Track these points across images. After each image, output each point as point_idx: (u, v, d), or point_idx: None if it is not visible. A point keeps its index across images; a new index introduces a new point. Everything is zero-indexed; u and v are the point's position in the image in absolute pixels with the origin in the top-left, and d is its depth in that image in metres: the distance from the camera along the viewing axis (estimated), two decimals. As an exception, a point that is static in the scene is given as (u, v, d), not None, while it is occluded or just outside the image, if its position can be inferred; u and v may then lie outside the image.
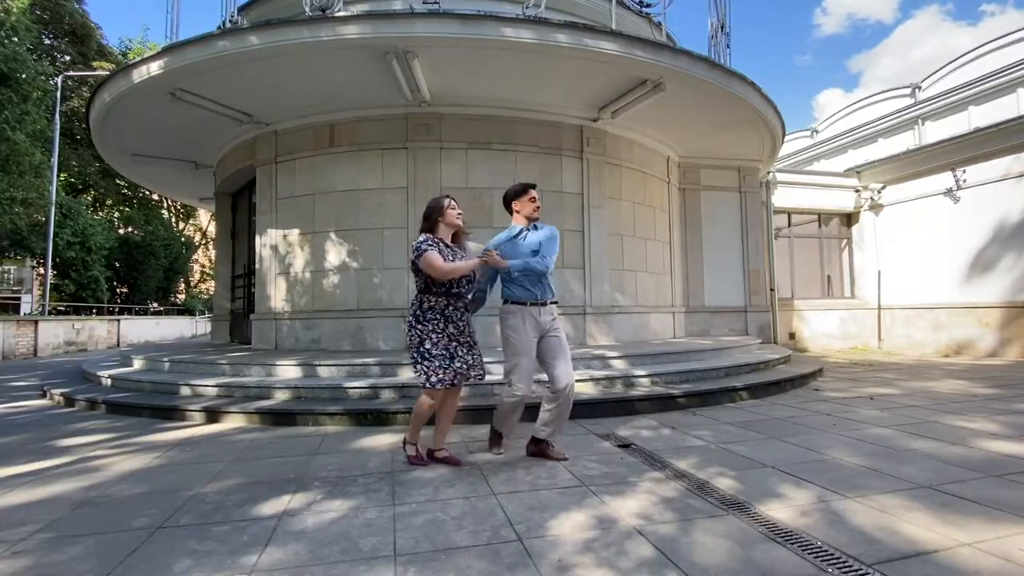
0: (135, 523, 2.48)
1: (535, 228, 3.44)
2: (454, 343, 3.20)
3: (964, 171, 9.93)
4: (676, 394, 5.13)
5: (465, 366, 3.19)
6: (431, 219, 3.28)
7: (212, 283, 16.68)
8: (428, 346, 3.13)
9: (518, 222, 3.46)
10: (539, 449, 3.44)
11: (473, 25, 5.60)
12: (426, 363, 3.12)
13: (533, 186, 3.52)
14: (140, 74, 6.38)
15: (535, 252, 3.31)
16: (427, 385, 3.13)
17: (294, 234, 7.62)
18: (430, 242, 3.15)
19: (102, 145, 9.08)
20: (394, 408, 4.61)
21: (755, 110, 7.55)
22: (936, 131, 12.91)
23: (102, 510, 2.67)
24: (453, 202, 3.31)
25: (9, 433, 4.52)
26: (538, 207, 3.45)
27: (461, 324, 3.25)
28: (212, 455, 3.67)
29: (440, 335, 3.16)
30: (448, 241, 3.31)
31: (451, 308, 3.21)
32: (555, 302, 3.42)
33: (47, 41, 20.65)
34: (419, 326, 3.16)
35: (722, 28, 7.94)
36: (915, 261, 10.84)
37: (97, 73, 18.84)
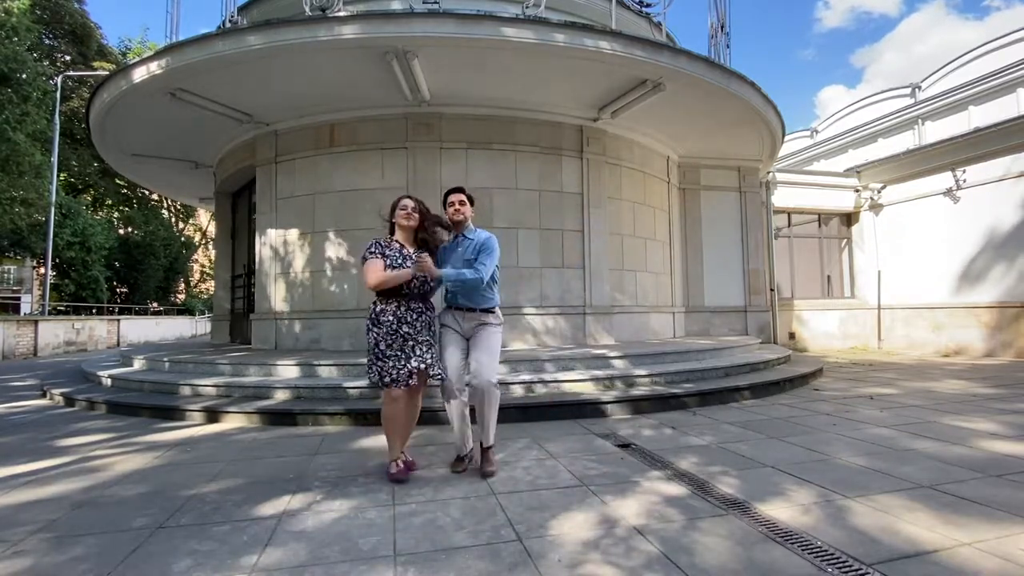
0: (135, 523, 2.48)
1: (471, 235, 3.36)
2: (411, 342, 3.15)
3: (964, 171, 9.93)
4: (676, 394, 5.13)
5: (423, 364, 3.14)
6: (389, 223, 3.35)
7: (212, 283, 16.67)
8: (383, 347, 3.13)
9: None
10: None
11: (472, 25, 5.60)
12: (379, 363, 3.12)
13: (455, 190, 3.43)
14: (140, 74, 6.38)
15: (468, 262, 3.25)
16: (381, 384, 3.13)
17: (294, 234, 7.62)
18: (373, 249, 3.17)
19: (102, 145, 9.08)
20: (394, 408, 4.60)
21: (755, 110, 7.55)
22: (936, 131, 12.91)
23: (102, 510, 2.67)
24: (406, 201, 3.30)
25: (9, 433, 4.52)
26: (457, 210, 3.35)
27: (418, 325, 3.19)
28: (212, 455, 3.67)
29: (394, 336, 3.14)
30: (411, 241, 3.30)
31: (404, 310, 3.17)
32: (488, 309, 3.32)
33: (47, 41, 20.63)
34: (375, 329, 3.16)
35: (722, 28, 7.94)
36: (915, 261, 10.84)
37: (97, 73, 18.85)
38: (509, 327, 7.08)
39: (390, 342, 3.13)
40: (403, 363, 3.10)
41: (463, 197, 3.40)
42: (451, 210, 3.37)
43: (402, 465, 3.18)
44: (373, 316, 3.20)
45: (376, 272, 3.09)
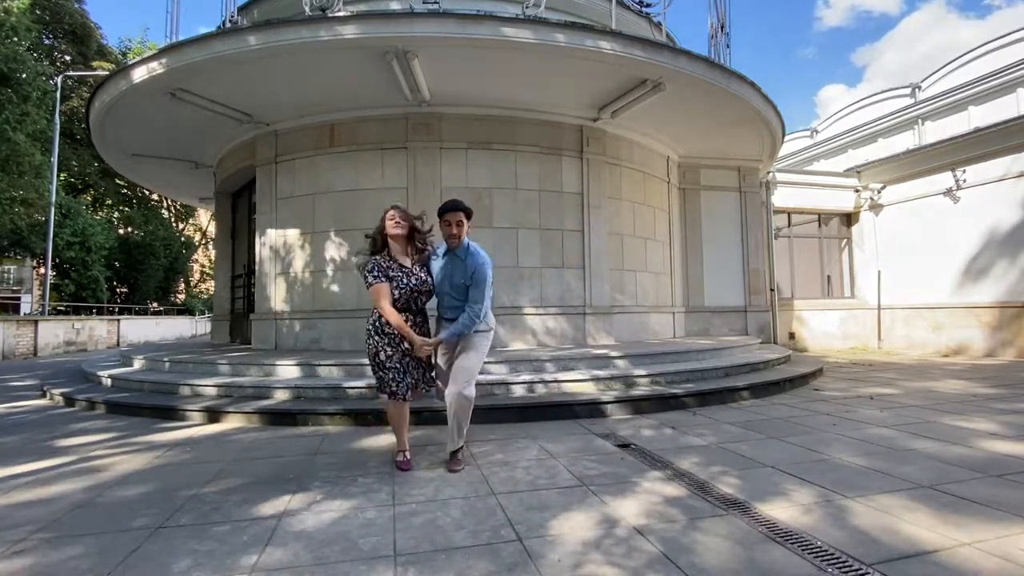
0: (135, 523, 2.48)
1: (461, 254, 3.28)
2: (407, 358, 3.25)
3: (964, 171, 9.93)
4: (676, 394, 5.13)
5: (414, 381, 3.30)
6: (377, 241, 3.31)
7: (212, 283, 16.67)
8: (383, 358, 3.23)
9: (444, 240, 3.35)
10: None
11: (472, 25, 5.60)
12: (381, 374, 3.25)
13: (451, 208, 3.24)
14: (140, 74, 6.37)
15: (459, 288, 3.27)
16: (387, 395, 3.26)
17: (294, 234, 7.61)
18: (376, 273, 3.17)
19: (102, 145, 9.07)
20: (394, 408, 4.61)
21: (755, 110, 7.55)
22: (936, 131, 12.91)
23: (102, 510, 2.67)
24: (393, 212, 3.27)
25: (9, 433, 4.52)
26: (453, 235, 3.22)
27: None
28: (212, 455, 3.67)
29: (395, 349, 3.22)
30: (404, 252, 3.31)
31: (408, 323, 3.23)
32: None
33: (47, 41, 20.64)
34: (376, 338, 3.23)
35: (722, 28, 7.93)
36: (915, 261, 10.83)
37: (97, 73, 18.84)
38: (510, 327, 7.09)
39: (390, 353, 3.23)
40: (402, 376, 3.24)
41: (461, 217, 3.23)
42: (447, 232, 3.24)
43: (407, 457, 3.34)
44: (377, 325, 3.25)
45: (386, 302, 3.15)
